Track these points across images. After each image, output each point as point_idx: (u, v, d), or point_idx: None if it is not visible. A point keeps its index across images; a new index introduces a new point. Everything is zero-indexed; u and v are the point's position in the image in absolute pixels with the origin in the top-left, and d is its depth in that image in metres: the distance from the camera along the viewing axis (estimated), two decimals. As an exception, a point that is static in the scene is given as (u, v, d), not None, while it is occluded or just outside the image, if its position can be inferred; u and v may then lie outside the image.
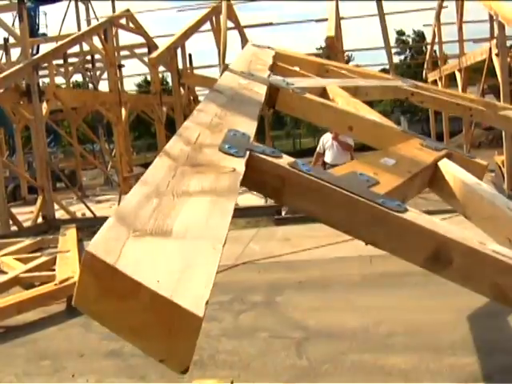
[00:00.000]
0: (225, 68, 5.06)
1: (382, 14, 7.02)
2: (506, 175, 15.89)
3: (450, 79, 26.22)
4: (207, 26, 23.01)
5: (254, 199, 17.52)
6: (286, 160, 1.83)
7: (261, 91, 3.47)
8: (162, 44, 21.13)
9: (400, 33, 64.38)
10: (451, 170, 2.98)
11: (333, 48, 19.40)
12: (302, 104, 3.63)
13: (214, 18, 23.43)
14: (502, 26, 16.17)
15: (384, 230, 1.70)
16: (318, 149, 13.52)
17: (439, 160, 3.05)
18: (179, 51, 21.45)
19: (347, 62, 41.40)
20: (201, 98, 36.68)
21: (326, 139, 13.12)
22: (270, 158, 1.81)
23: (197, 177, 1.69)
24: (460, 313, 7.12)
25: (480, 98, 9.27)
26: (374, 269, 9.25)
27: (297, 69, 6.04)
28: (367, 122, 3.55)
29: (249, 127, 2.40)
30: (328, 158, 12.80)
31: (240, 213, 15.32)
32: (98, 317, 1.21)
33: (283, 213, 14.86)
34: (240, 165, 1.75)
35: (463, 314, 7.11)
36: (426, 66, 31.52)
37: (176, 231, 1.37)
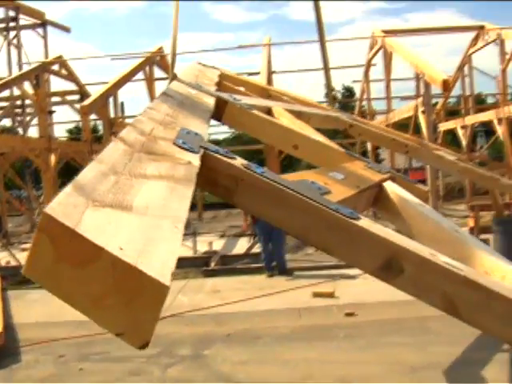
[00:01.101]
0: (173, 77, 5.08)
1: (325, 59, 7.10)
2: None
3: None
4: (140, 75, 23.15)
5: (182, 250, 17.44)
6: (239, 161, 1.84)
7: (209, 101, 3.49)
8: (95, 92, 21.07)
9: (326, 94, 65.78)
10: (396, 191, 3.07)
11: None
12: (250, 119, 3.64)
13: (147, 68, 23.56)
14: (427, 85, 16.78)
15: (337, 236, 1.70)
16: None
17: (384, 181, 3.14)
18: (112, 100, 21.46)
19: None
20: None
21: None
22: (224, 158, 1.81)
23: (153, 164, 1.67)
24: (388, 365, 7.20)
25: (414, 138, 9.56)
26: (303, 321, 9.30)
27: (242, 89, 6.12)
28: (313, 141, 3.60)
29: (201, 129, 2.39)
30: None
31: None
32: (52, 286, 1.15)
33: (212, 264, 14.82)
34: (195, 159, 1.73)
35: (392, 366, 7.19)
36: (354, 122, 32.21)
37: (136, 207, 1.33)
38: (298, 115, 4.75)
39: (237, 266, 14.66)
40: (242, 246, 16.94)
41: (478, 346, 7.65)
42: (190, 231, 18.39)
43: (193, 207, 35.17)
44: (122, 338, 1.15)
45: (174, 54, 6.07)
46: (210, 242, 16.74)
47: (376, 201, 3.04)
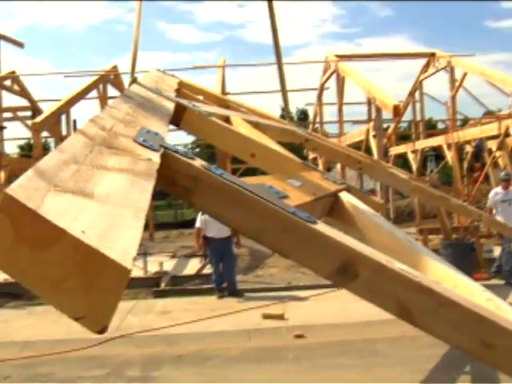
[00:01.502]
0: (133, 81, 5.08)
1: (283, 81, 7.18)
2: (380, 252, 16.40)
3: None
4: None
5: (133, 270, 17.29)
6: (199, 162, 1.84)
7: (169, 106, 3.49)
8: (47, 109, 20.86)
9: (281, 114, 66.29)
10: (351, 201, 3.12)
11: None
12: (208, 126, 3.64)
13: (101, 86, 23.44)
14: (379, 110, 17.05)
15: (294, 239, 1.70)
16: (197, 224, 13.33)
17: (339, 191, 3.19)
18: (64, 117, 21.27)
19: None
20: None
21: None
22: (183, 158, 1.80)
23: (114, 157, 1.66)
24: (335, 388, 7.25)
25: (368, 156, 9.70)
26: (253, 343, 9.30)
27: (200, 97, 6.13)
28: (270, 150, 3.63)
29: (161, 130, 2.39)
30: (211, 232, 12.75)
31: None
32: (10, 267, 1.13)
33: (163, 285, 14.72)
34: (155, 157, 1.73)
35: (338, 389, 7.23)
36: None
37: (98, 195, 1.33)
38: (256, 126, 4.80)
39: (187, 286, 14.59)
40: (193, 266, 16.87)
41: (426, 367, 7.75)
42: (141, 251, 18.24)
43: (144, 227, 34.88)
44: (81, 322, 1.14)
45: (134, 58, 6.07)
46: (160, 263, 16.63)
47: (331, 210, 3.09)
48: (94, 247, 1.09)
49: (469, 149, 24.67)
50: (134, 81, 4.98)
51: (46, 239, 1.11)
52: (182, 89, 5.72)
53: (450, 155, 23.51)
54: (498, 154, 20.61)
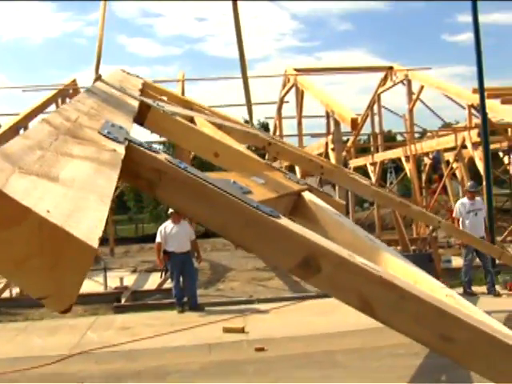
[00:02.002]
0: (97, 78, 5.05)
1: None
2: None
3: (290, 170, 27.29)
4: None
5: (92, 286, 17.12)
6: (163, 155, 1.83)
7: (134, 104, 3.47)
8: (5, 123, 20.63)
9: (246, 122, 66.39)
10: (314, 200, 3.14)
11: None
12: (173, 125, 3.63)
13: (60, 100, 23.25)
14: (337, 123, 17.21)
15: (257, 232, 1.70)
16: (157, 239, 13.20)
17: (302, 191, 3.22)
18: (22, 131, 21.02)
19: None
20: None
21: (166, 227, 13.04)
22: (148, 151, 1.80)
23: (78, 146, 1.64)
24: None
25: (331, 162, 9.76)
26: (213, 357, 9.27)
27: (164, 98, 6.10)
28: (233, 150, 3.64)
29: (125, 125, 2.38)
30: (172, 246, 12.70)
31: (77, 299, 14.84)
32: None
33: (123, 300, 14.60)
34: (120, 148, 1.75)
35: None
36: (266, 157, 32.66)
37: (63, 179, 1.33)
38: (219, 128, 4.82)
39: (148, 301, 14.50)
40: (153, 281, 16.76)
41: (387, 377, 7.81)
42: (101, 266, 18.08)
43: (104, 242, 34.57)
44: (45, 301, 1.13)
45: (99, 56, 6.03)
46: (121, 278, 16.49)
47: (294, 208, 3.12)
48: (59, 226, 1.09)
49: (427, 161, 25.01)
50: (98, 78, 4.97)
51: (10, 218, 1.10)
52: (147, 89, 5.72)
53: (408, 167, 23.81)
54: (455, 165, 20.95)
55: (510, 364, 1.67)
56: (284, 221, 1.80)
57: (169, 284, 13.98)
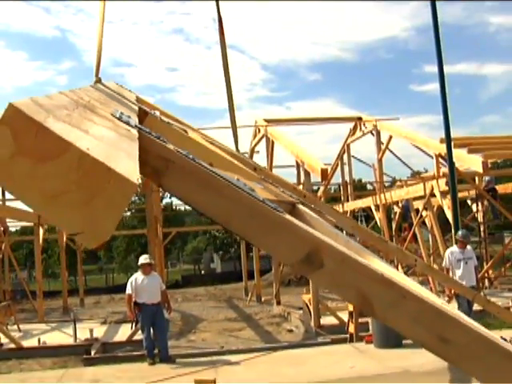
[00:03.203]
0: (97, 81, 5.04)
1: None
2: (312, 313, 16.51)
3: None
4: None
5: (61, 337, 16.87)
6: (171, 145, 1.84)
7: (134, 106, 3.50)
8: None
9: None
10: (308, 212, 3.19)
11: (147, 187, 19.71)
12: (169, 133, 3.64)
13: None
14: (307, 174, 17.35)
15: (261, 225, 1.71)
16: (128, 290, 12.97)
17: (297, 203, 3.28)
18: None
19: (161, 199, 42.07)
20: (11, 229, 35.45)
21: (136, 278, 12.83)
22: (157, 140, 1.80)
23: (98, 118, 1.68)
24: None
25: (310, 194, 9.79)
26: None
27: (157, 112, 6.13)
28: (228, 161, 3.70)
29: (132, 118, 2.41)
30: (142, 298, 12.57)
31: (46, 352, 14.64)
32: (7, 180, 1.09)
33: (93, 352, 14.40)
34: (134, 130, 1.78)
35: None
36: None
37: (93, 133, 1.34)
38: (211, 143, 4.90)
39: (118, 353, 14.31)
40: (124, 332, 16.57)
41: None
42: (71, 318, 17.85)
43: (73, 292, 34.19)
44: (79, 237, 1.13)
45: (99, 58, 6.02)
46: (91, 329, 16.27)
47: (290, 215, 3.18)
48: (101, 160, 1.09)
49: (396, 209, 25.24)
50: (98, 81, 5.00)
51: (50, 152, 1.10)
52: (140, 101, 5.77)
53: (378, 216, 24.01)
54: (424, 213, 21.17)
55: (506, 368, 1.70)
56: (289, 217, 1.83)
57: (139, 335, 13.84)
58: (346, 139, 27.08)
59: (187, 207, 68.46)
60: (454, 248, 13.70)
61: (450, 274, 13.07)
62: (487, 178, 21.51)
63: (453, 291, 13.04)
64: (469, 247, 13.59)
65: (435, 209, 21.60)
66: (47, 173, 1.13)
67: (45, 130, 1.14)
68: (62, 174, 1.14)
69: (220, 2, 7.42)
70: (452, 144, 16.47)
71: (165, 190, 1.84)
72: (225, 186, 1.77)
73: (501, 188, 24.58)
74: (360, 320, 13.91)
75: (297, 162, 20.37)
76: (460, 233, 13.92)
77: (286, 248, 1.77)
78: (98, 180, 1.14)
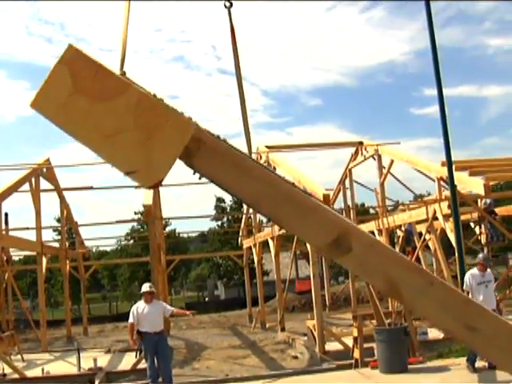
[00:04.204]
0: (122, 74, 5.05)
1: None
2: (317, 339, 16.44)
3: (264, 246, 27.32)
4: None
5: (65, 366, 16.80)
6: (203, 127, 1.84)
7: None
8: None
9: (220, 200, 66.77)
10: None
11: (150, 215, 19.78)
12: None
13: (33, 180, 23.24)
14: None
15: (292, 207, 1.71)
16: (130, 319, 12.88)
17: None
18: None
19: (165, 227, 41.98)
20: (14, 258, 35.47)
21: (138, 307, 12.78)
22: (191, 121, 1.81)
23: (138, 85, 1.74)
24: None
25: None
26: None
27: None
28: None
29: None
30: (145, 327, 12.50)
31: (50, 382, 14.58)
32: (64, 119, 1.09)
33: (97, 382, 14.34)
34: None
35: None
36: (241, 233, 32.74)
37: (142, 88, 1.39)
38: None
39: (122, 382, 14.25)
40: (128, 361, 16.51)
41: None
42: (74, 347, 17.79)
43: (77, 321, 34.06)
44: (133, 176, 1.14)
45: (124, 51, 5.91)
46: (94, 358, 16.21)
47: None
48: (162, 101, 1.11)
49: (399, 233, 25.19)
50: (122, 75, 5.02)
51: (108, 92, 1.12)
52: None
53: (381, 240, 23.96)
54: (427, 237, 21.12)
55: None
56: (318, 201, 1.84)
57: (144, 364, 13.78)
58: (348, 164, 27.13)
59: (191, 234, 67.76)
60: (475, 271, 13.45)
61: (470, 296, 12.87)
62: (487, 201, 21.47)
63: None
64: (488, 270, 13.39)
65: (438, 232, 21.56)
66: (104, 112, 1.17)
67: (105, 71, 1.18)
68: (120, 114, 1.17)
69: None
70: (453, 167, 16.48)
71: (195, 170, 1.85)
72: (257, 168, 1.78)
73: (503, 210, 24.55)
74: (365, 345, 13.85)
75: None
76: (481, 256, 13.73)
77: (316, 231, 1.78)
78: (155, 120, 1.18)
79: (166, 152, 1.19)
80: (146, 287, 12.95)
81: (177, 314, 13.47)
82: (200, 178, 2.31)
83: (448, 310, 1.74)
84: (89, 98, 1.17)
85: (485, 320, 1.72)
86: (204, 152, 1.83)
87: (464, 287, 13.63)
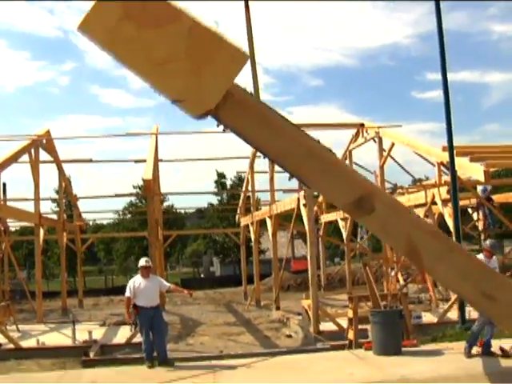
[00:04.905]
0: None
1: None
2: (312, 318, 16.51)
3: (261, 224, 27.36)
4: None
5: (60, 338, 16.87)
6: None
7: None
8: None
9: (221, 175, 66.66)
10: None
11: (149, 190, 19.78)
12: None
13: (32, 151, 23.19)
14: (309, 179, 17.35)
15: (318, 164, 1.71)
16: (127, 293, 12.84)
17: None
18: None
19: (162, 202, 41.85)
20: (11, 229, 35.48)
21: (135, 281, 12.76)
22: None
23: None
24: None
25: None
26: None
27: None
28: None
29: None
30: (141, 301, 12.52)
31: (45, 353, 14.64)
32: (112, 44, 1.08)
33: (91, 354, 14.41)
34: None
35: None
36: (238, 211, 32.78)
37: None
38: None
39: (117, 355, 14.31)
40: (123, 335, 16.59)
41: None
42: (70, 319, 17.86)
43: (72, 293, 34.18)
44: (182, 104, 1.15)
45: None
46: (89, 331, 16.28)
47: None
48: (213, 30, 1.12)
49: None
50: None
51: (158, 19, 1.11)
52: None
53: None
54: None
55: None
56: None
57: (138, 338, 13.83)
58: (348, 145, 27.09)
59: (188, 210, 67.84)
60: (481, 256, 13.37)
61: None
62: (483, 188, 21.34)
63: None
64: (494, 257, 13.32)
65: (436, 216, 21.59)
66: (155, 40, 1.17)
67: None
68: (171, 43, 1.17)
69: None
70: (454, 152, 16.45)
71: (220, 122, 1.85)
72: (284, 123, 1.78)
73: (501, 197, 24.56)
74: (359, 327, 13.90)
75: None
76: (488, 242, 13.63)
77: (340, 190, 1.79)
78: (208, 49, 1.18)
79: (217, 81, 1.20)
80: (143, 261, 12.95)
81: (174, 291, 13.53)
82: (224, 131, 2.30)
83: (467, 277, 1.76)
84: (139, 24, 1.17)
85: (504, 290, 1.73)
86: (231, 104, 1.84)
87: None
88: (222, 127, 2.34)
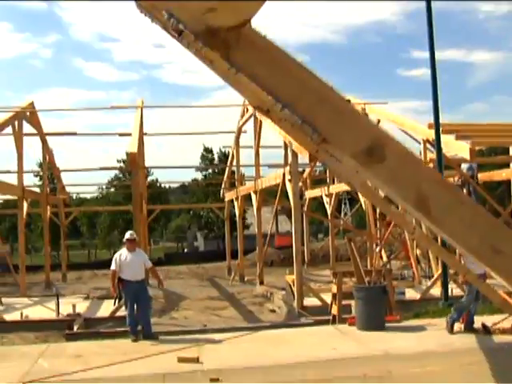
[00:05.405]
0: None
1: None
2: (295, 293, 16.57)
3: (246, 199, 27.35)
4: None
5: (44, 311, 16.83)
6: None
7: None
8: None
9: (207, 150, 66.48)
10: None
11: (134, 163, 19.68)
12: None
13: (16, 123, 22.96)
14: (295, 155, 17.32)
15: (327, 110, 1.66)
16: (112, 266, 12.82)
17: None
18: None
19: (147, 176, 41.78)
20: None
21: (121, 254, 12.78)
22: None
23: None
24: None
25: None
26: (167, 387, 9.17)
27: None
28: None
29: None
30: (127, 275, 12.50)
31: (28, 326, 14.61)
32: None
33: (75, 328, 14.38)
34: None
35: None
36: (223, 186, 32.75)
37: None
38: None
39: (101, 329, 14.30)
40: (106, 308, 16.57)
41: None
42: (53, 292, 17.80)
43: (56, 267, 34.07)
44: (213, 14, 1.08)
45: None
46: (73, 304, 16.25)
47: None
48: None
49: (381, 193, 25.28)
50: None
51: None
52: None
53: (363, 199, 24.05)
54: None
55: None
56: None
57: (122, 312, 13.83)
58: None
59: (172, 185, 67.63)
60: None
61: (461, 259, 12.65)
62: (469, 165, 21.20)
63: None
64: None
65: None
66: None
67: None
68: None
69: None
70: (440, 130, 16.45)
71: (231, 64, 1.79)
72: (297, 67, 1.72)
73: (485, 176, 24.66)
74: (343, 302, 13.97)
75: (285, 143, 20.32)
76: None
77: (350, 136, 1.74)
78: None
79: None
80: (128, 235, 12.94)
81: (151, 273, 13.47)
82: (236, 74, 2.24)
83: (475, 230, 1.74)
84: None
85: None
86: (243, 45, 1.77)
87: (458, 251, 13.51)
88: (233, 70, 2.29)
